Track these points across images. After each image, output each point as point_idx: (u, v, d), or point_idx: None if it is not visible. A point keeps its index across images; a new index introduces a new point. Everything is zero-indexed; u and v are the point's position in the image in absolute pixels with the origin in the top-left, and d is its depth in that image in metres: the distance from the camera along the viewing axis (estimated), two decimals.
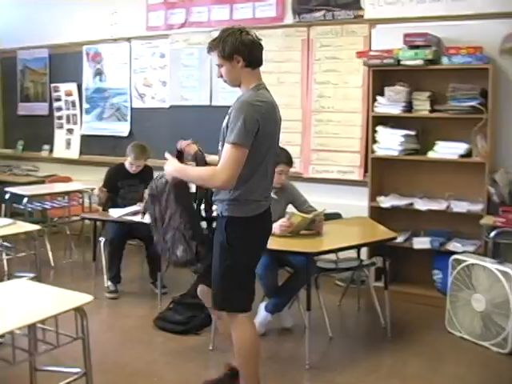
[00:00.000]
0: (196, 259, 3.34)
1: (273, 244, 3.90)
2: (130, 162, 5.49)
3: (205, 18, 6.65)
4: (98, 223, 5.55)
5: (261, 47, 3.22)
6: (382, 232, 4.62)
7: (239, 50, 3.13)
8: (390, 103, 5.28)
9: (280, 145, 3.46)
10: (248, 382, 3.29)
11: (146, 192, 3.44)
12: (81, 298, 2.82)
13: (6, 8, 8.45)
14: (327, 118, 5.96)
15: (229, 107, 3.15)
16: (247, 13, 6.36)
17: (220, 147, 3.17)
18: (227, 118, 3.13)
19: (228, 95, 6.17)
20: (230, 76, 3.23)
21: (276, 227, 4.16)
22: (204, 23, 6.65)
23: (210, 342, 4.24)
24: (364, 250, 5.08)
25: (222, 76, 3.26)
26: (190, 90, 6.75)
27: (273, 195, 4.50)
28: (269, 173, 3.28)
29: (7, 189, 6.52)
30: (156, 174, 5.57)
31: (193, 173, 3.29)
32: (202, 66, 6.63)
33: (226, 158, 3.02)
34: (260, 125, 3.05)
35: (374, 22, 5.62)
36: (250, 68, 3.19)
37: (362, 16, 5.71)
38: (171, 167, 3.27)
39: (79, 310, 2.77)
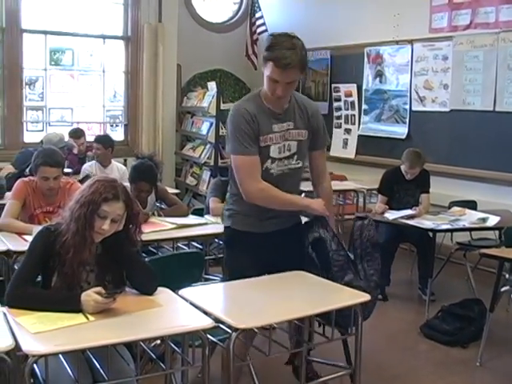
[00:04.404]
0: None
1: None
2: (404, 170, 5.48)
3: (492, 19, 6.32)
4: None
5: None
6: None
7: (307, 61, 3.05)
8: None
9: None
10: None
11: None
12: (358, 296, 2.86)
13: (292, 12, 8.86)
14: None
15: None
16: None
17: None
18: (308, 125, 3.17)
19: None
20: (294, 87, 3.09)
21: None
22: (491, 24, 6.32)
23: (478, 358, 4.08)
24: None
25: (283, 92, 2.97)
26: (473, 94, 6.47)
27: None
28: None
29: None
30: (432, 178, 5.55)
31: None
32: (486, 69, 6.32)
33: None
34: None
35: None
36: None
37: None
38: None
39: (356, 308, 2.82)
